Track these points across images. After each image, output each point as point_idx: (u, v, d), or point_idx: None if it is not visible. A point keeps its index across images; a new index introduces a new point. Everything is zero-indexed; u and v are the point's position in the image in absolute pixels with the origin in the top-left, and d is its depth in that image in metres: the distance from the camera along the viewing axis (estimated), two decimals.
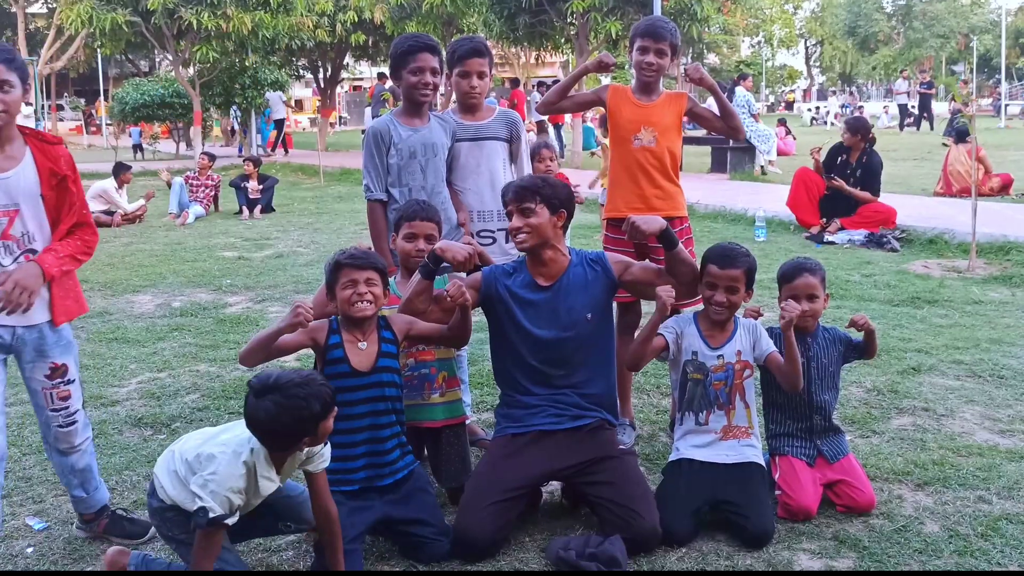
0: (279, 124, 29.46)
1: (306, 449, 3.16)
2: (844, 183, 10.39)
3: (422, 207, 4.12)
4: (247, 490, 3.04)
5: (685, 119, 4.82)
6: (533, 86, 57.64)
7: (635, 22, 5.08)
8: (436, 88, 4.51)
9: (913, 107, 34.01)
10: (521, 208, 3.77)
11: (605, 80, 26.48)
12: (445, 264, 3.75)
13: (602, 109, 5.07)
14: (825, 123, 38.86)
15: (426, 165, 4.45)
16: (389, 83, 22.68)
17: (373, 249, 4.18)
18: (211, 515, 2.96)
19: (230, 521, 3.01)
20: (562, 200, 3.84)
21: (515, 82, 31.76)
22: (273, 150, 28.50)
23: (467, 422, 4.30)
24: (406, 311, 3.74)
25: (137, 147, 28.96)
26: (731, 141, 17.27)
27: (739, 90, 17.05)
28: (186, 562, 3.23)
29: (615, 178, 4.75)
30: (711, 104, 5.08)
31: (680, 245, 3.84)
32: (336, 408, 3.11)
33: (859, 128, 10.57)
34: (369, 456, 3.59)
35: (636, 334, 4.11)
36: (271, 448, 3.07)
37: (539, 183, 3.82)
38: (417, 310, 3.74)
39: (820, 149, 10.78)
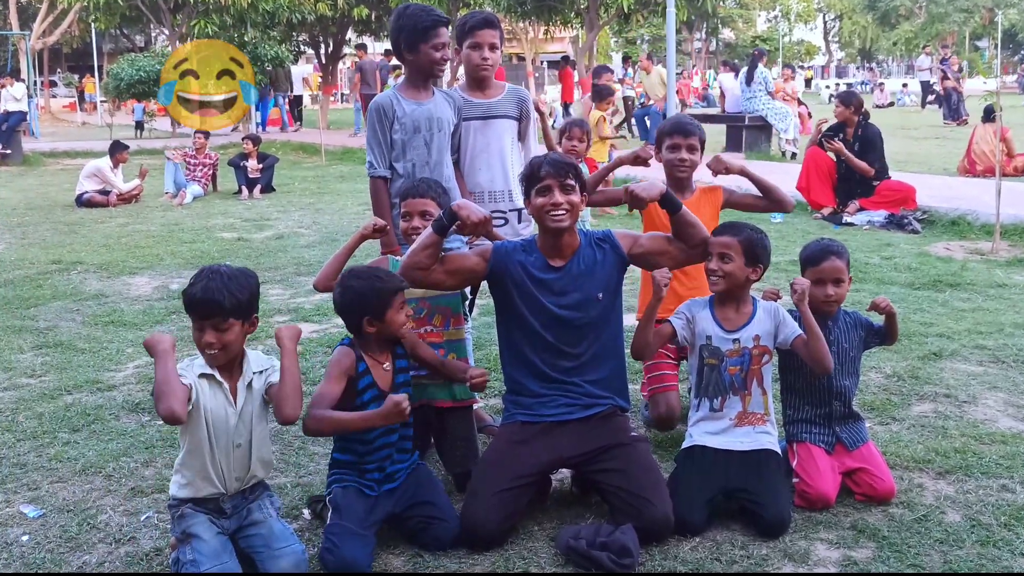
0: (298, 100, 29.99)
1: (250, 367, 3.40)
2: (844, 147, 10.37)
3: (415, 185, 4.13)
4: (192, 375, 3.28)
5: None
6: (542, 63, 57.47)
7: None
8: (448, 62, 4.55)
9: (935, 84, 33.82)
10: (563, 184, 3.75)
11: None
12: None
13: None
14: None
15: (431, 140, 4.45)
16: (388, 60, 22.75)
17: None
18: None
19: (184, 380, 3.21)
20: (584, 184, 3.88)
21: None
22: (296, 126, 28.97)
23: (474, 407, 4.31)
24: (409, 264, 3.73)
25: (139, 124, 28.94)
26: (746, 119, 17.24)
27: (761, 67, 16.97)
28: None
29: (646, 276, 4.60)
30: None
31: (684, 208, 3.85)
32: (201, 321, 3.27)
33: (851, 100, 10.62)
34: (385, 467, 3.65)
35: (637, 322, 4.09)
36: None
37: (573, 162, 3.87)
38: (420, 264, 3.72)
39: (826, 121, 10.86)
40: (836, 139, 10.50)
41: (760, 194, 4.73)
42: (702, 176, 4.79)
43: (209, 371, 3.32)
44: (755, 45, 42.00)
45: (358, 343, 3.66)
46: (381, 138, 4.43)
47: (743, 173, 4.65)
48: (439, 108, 4.49)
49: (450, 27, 4.54)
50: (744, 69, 17.79)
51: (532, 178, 3.81)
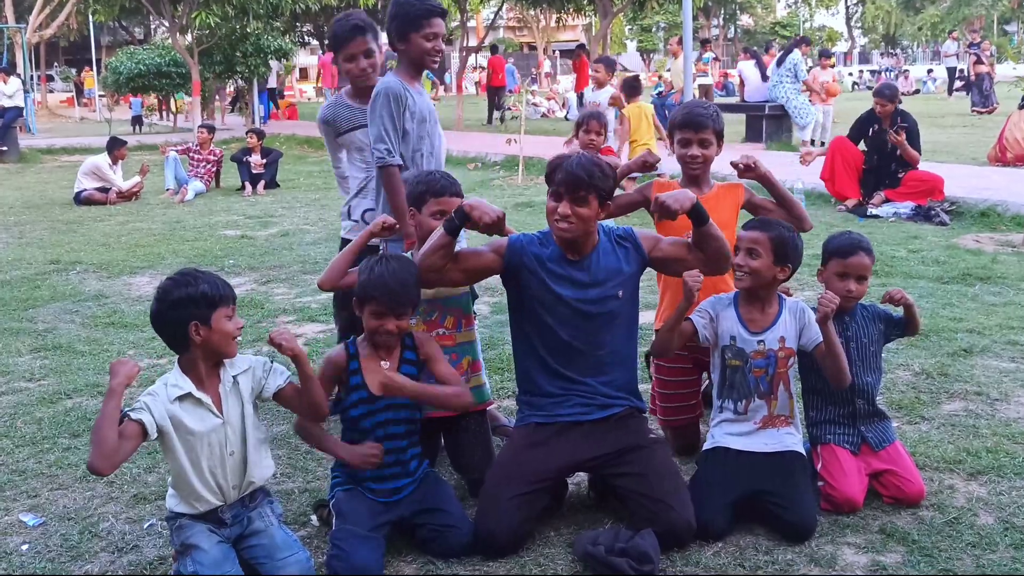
0: (272, 93, 30.46)
1: (229, 370, 3.40)
2: (902, 139, 10.30)
3: (450, 181, 4.09)
4: (163, 402, 3.32)
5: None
6: (554, 52, 57.37)
7: None
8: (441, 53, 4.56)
9: (963, 70, 33.70)
10: (575, 197, 3.69)
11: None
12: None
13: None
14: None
15: (432, 131, 4.50)
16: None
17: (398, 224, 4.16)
18: (126, 411, 3.28)
19: (135, 415, 3.26)
20: (609, 192, 3.80)
21: (494, 49, 31.70)
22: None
23: (488, 408, 4.29)
24: (422, 266, 3.72)
25: (136, 120, 29.02)
26: (767, 108, 17.20)
27: (796, 53, 16.89)
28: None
29: (665, 282, 4.53)
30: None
31: (711, 221, 3.79)
32: (200, 321, 3.33)
33: (895, 96, 10.60)
34: (395, 478, 3.66)
35: (664, 321, 4.08)
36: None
37: (596, 172, 3.72)
38: (434, 266, 3.72)
39: (811, 154, 10.92)
40: (872, 129, 10.46)
41: (778, 205, 4.48)
42: (723, 169, 4.71)
43: (185, 391, 3.31)
44: (774, 32, 41.81)
45: (359, 342, 3.70)
46: (398, 124, 4.40)
47: (765, 179, 4.43)
48: (429, 99, 4.56)
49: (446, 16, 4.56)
50: (778, 55, 17.64)
51: (547, 177, 3.77)
